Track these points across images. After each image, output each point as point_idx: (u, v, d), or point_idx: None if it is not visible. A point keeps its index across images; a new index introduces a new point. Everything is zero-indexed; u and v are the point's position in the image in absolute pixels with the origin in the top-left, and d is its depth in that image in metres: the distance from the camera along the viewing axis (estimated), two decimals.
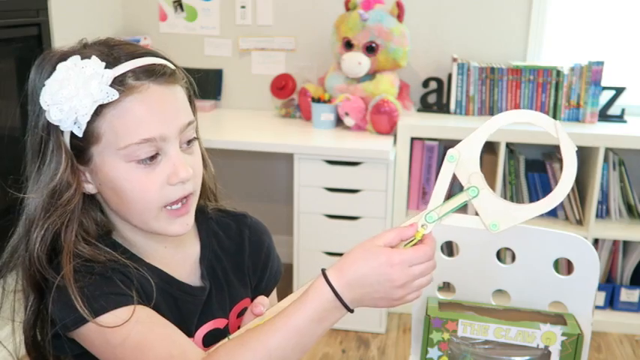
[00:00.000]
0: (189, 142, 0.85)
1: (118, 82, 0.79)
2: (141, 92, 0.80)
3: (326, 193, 2.36)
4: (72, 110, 0.78)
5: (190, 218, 0.87)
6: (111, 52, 0.82)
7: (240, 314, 0.97)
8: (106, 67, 0.79)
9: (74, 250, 0.82)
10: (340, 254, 0.90)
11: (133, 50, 0.83)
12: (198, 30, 2.89)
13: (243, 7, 2.82)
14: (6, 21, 2.09)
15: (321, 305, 0.75)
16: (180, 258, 0.94)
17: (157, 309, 0.84)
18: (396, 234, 0.79)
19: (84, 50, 0.82)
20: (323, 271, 0.77)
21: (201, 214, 0.97)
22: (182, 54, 2.91)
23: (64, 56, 0.81)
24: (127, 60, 0.81)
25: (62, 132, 0.81)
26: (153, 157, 0.81)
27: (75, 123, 0.79)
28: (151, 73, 0.81)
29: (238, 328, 0.91)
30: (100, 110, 0.79)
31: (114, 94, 0.78)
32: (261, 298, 0.86)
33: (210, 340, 0.92)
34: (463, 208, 0.83)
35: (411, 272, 0.76)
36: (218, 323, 0.94)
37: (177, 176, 0.81)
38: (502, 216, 0.81)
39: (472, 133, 0.83)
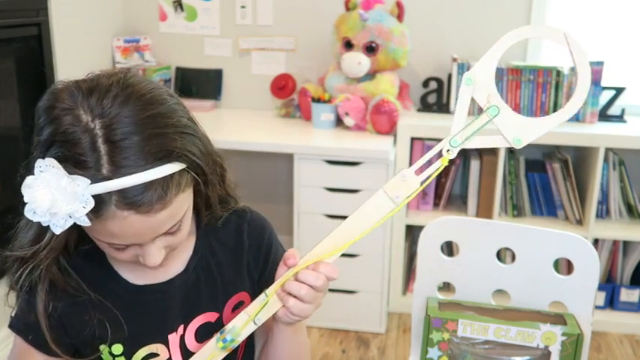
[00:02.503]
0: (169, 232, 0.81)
1: (100, 201, 0.71)
2: (119, 220, 0.74)
3: (326, 193, 2.36)
4: (50, 217, 0.71)
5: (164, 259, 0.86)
6: (113, 158, 0.72)
7: (236, 308, 0.96)
8: (92, 183, 0.70)
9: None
10: None
11: (136, 164, 0.73)
12: (198, 30, 2.88)
13: (243, 7, 2.82)
14: (6, 21, 2.09)
15: None
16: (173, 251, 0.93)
17: (127, 324, 0.89)
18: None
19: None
20: None
21: (203, 212, 0.97)
22: (182, 54, 2.91)
23: (68, 111, 0.73)
24: (120, 176, 0.72)
25: None
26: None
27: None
28: (137, 205, 0.73)
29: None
30: None
31: (86, 222, 0.72)
32: (292, 250, 0.86)
33: (203, 333, 0.94)
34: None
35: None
36: (209, 317, 0.95)
37: (144, 261, 0.83)
38: (525, 130, 0.83)
39: (484, 54, 0.84)
